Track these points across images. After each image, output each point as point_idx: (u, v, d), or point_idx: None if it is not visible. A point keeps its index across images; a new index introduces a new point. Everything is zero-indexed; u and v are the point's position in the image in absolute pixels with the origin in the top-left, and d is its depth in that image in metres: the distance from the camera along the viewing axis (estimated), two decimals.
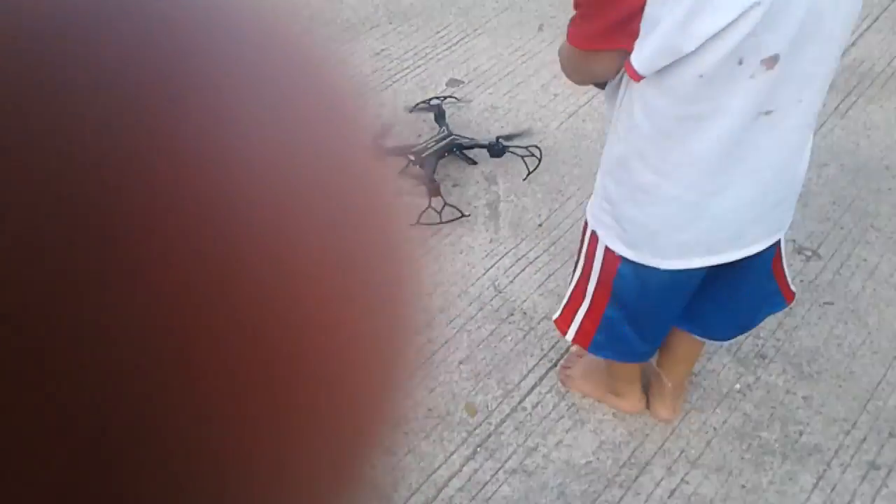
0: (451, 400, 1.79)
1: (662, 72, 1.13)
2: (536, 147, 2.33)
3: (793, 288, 1.57)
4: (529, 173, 2.28)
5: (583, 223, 1.46)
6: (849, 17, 1.15)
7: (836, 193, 2.23)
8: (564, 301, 1.53)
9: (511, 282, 2.03)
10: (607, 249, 1.38)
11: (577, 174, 2.30)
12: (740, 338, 1.88)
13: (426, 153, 2.22)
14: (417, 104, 2.47)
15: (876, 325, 1.90)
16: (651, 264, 1.34)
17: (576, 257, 1.50)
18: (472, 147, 2.31)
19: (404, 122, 2.46)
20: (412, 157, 2.22)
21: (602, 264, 1.40)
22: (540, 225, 2.17)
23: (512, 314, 1.95)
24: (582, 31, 1.18)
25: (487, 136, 2.37)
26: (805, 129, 1.25)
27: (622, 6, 1.10)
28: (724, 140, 1.19)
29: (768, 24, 1.07)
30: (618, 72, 1.21)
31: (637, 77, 1.14)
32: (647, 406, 1.75)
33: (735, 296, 1.49)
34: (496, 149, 2.30)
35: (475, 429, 1.74)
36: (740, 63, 1.10)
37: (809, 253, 2.07)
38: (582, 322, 1.49)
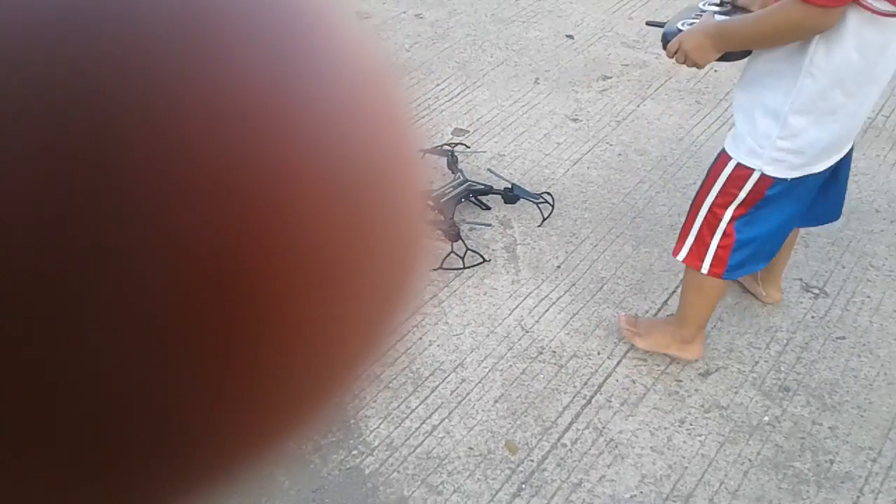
0: (490, 438, 1.80)
1: None
2: (549, 194, 2.39)
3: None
4: (545, 219, 2.34)
5: (713, 168, 1.66)
6: None
7: (834, 235, 2.34)
8: (690, 241, 1.74)
9: (536, 322, 2.07)
10: (762, 178, 1.59)
11: (588, 218, 2.37)
12: (763, 372, 1.95)
13: (445, 199, 2.27)
14: (431, 148, 2.52)
15: (887, 358, 1.99)
16: (809, 172, 1.59)
17: (702, 197, 1.69)
18: (487, 193, 2.37)
19: None
20: (431, 203, 2.26)
21: (747, 194, 1.62)
22: (558, 267, 2.22)
23: (541, 353, 1.99)
24: None
25: (500, 183, 2.43)
26: None
27: None
28: (892, 56, 1.44)
29: None
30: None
31: None
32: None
33: (842, 177, 1.78)
34: (510, 195, 2.36)
35: (518, 466, 1.75)
36: None
37: (817, 291, 2.17)
38: (716, 252, 1.71)
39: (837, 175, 1.74)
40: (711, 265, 1.72)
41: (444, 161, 2.48)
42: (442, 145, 2.57)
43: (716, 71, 2.96)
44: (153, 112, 0.13)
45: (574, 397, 1.89)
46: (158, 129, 0.13)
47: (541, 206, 2.36)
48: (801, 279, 2.19)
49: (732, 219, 1.66)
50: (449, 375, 1.94)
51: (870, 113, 1.60)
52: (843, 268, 2.24)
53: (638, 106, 2.84)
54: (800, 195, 1.65)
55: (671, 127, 2.75)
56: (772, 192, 1.61)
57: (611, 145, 2.66)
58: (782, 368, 1.96)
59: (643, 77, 2.99)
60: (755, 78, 1.57)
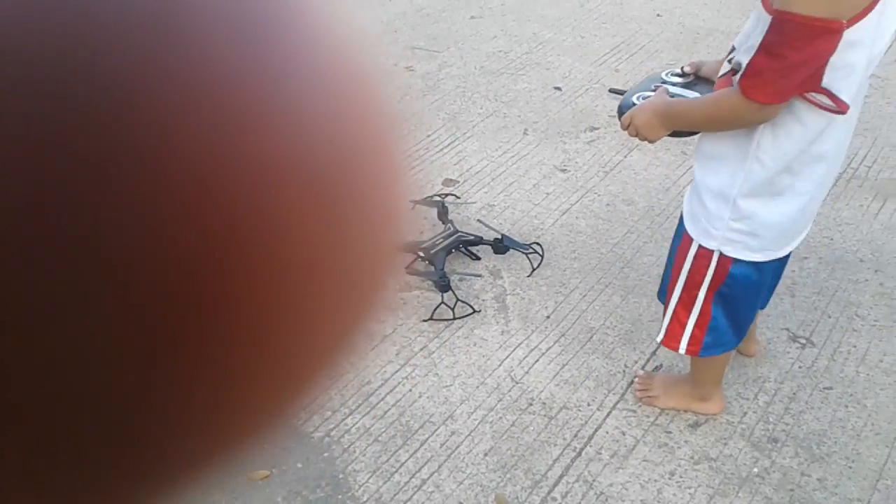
0: (480, 492, 1.80)
1: None
2: (538, 244, 2.42)
3: None
4: (534, 270, 2.36)
5: (679, 249, 1.69)
6: None
7: (820, 284, 2.36)
8: (666, 322, 1.76)
9: (526, 372, 2.07)
10: (721, 258, 1.61)
11: (577, 268, 2.40)
12: (751, 422, 1.96)
13: (435, 249, 2.29)
14: (422, 199, 2.55)
15: (874, 408, 2.00)
16: (771, 258, 1.59)
17: (674, 279, 1.71)
18: (477, 244, 2.39)
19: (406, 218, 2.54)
20: (422, 254, 2.28)
21: (714, 273, 1.63)
22: (548, 317, 2.23)
23: (531, 404, 1.99)
24: (776, 89, 1.35)
25: (490, 233, 2.46)
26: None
27: (818, 62, 1.31)
28: (840, 138, 1.46)
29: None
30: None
31: (846, 108, 1.37)
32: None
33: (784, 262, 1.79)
34: (500, 246, 2.38)
35: None
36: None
37: (804, 341, 2.18)
38: (692, 332, 1.73)
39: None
40: (688, 344, 1.75)
41: (434, 212, 2.51)
42: (432, 196, 2.60)
43: None
44: (129, 101, 0.13)
45: (564, 450, 1.89)
46: (135, 120, 0.13)
47: (530, 256, 2.38)
48: (787, 329, 2.21)
49: (706, 299, 1.68)
50: (439, 428, 1.94)
51: (821, 197, 1.60)
52: (829, 317, 2.26)
53: (625, 157, 2.89)
54: (765, 276, 1.67)
55: (658, 177, 2.79)
56: (736, 271, 1.62)
57: (599, 195, 2.70)
58: (770, 419, 1.97)
59: None
60: (701, 160, 1.59)
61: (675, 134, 1.59)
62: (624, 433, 1.93)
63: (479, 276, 2.36)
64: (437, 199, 2.57)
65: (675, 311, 1.73)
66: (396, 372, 2.08)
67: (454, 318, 2.19)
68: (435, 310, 2.20)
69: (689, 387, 1.95)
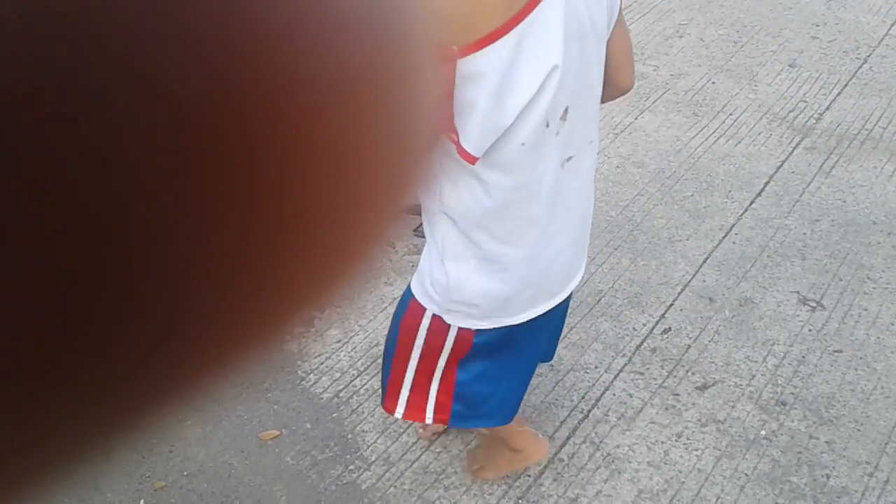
0: None
1: (489, 149, 1.16)
2: None
3: None
4: None
5: (406, 317, 1.44)
6: (601, 56, 1.23)
7: (831, 247, 2.34)
8: (406, 393, 1.50)
9: None
10: (460, 329, 1.38)
11: None
12: (760, 385, 1.96)
13: None
14: None
15: (884, 371, 1.99)
16: (506, 324, 1.37)
17: (404, 352, 1.46)
18: None
19: None
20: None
21: (454, 342, 1.41)
22: None
23: (539, 366, 1.99)
24: None
25: None
26: (594, 163, 1.34)
27: None
28: (549, 195, 1.25)
29: (562, 83, 1.14)
30: None
31: (473, 160, 1.16)
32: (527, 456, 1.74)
33: (562, 320, 1.63)
34: None
35: (514, 481, 1.76)
36: (547, 126, 1.16)
37: (814, 304, 2.17)
38: (437, 398, 1.48)
39: (559, 315, 1.55)
40: (435, 412, 1.50)
41: None
42: None
43: (713, 83, 2.97)
44: None
45: (571, 411, 1.89)
46: None
47: None
48: (797, 292, 2.20)
49: (448, 365, 1.44)
50: None
51: (560, 260, 1.34)
52: (840, 280, 2.24)
53: (636, 118, 2.85)
54: (526, 336, 1.43)
55: (669, 139, 2.75)
56: (480, 340, 1.39)
57: (609, 158, 2.67)
58: (779, 382, 1.97)
59: (641, 89, 3.00)
60: (425, 215, 1.36)
61: None
62: (631, 395, 1.93)
63: None
64: None
65: (414, 381, 1.48)
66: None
67: None
68: None
69: (500, 446, 1.72)
